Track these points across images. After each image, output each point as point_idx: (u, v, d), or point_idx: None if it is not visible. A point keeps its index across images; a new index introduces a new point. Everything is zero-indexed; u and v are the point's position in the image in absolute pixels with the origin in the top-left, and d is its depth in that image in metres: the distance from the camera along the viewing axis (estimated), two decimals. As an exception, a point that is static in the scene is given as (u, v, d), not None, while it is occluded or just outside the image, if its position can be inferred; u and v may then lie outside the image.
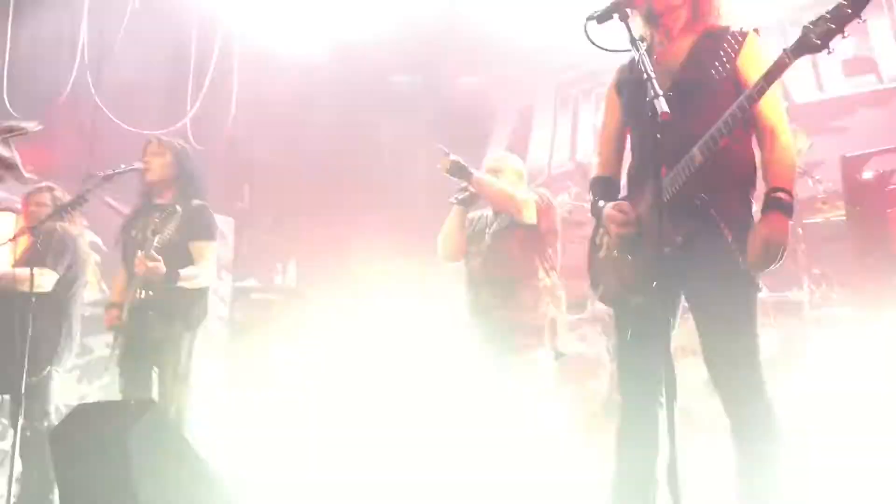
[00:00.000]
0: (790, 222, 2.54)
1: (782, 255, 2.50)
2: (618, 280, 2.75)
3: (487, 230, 4.21)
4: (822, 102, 5.99)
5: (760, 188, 2.67)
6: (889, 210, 4.54)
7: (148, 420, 2.29)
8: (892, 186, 4.46)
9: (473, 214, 4.37)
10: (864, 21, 2.22)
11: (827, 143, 5.46)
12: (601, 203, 2.83)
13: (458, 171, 4.01)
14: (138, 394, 3.88)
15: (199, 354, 4.19)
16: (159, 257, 3.82)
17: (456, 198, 4.24)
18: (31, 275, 4.04)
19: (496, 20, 6.90)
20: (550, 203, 4.25)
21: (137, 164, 4.11)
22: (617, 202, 2.76)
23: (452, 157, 4.02)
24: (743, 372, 2.52)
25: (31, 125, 4.19)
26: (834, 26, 2.20)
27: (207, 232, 4.11)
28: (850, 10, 2.18)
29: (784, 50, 2.32)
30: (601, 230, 2.86)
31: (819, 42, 2.23)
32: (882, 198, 4.57)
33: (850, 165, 4.72)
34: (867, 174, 4.66)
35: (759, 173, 2.69)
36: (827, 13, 2.22)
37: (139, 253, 3.84)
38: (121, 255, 4.20)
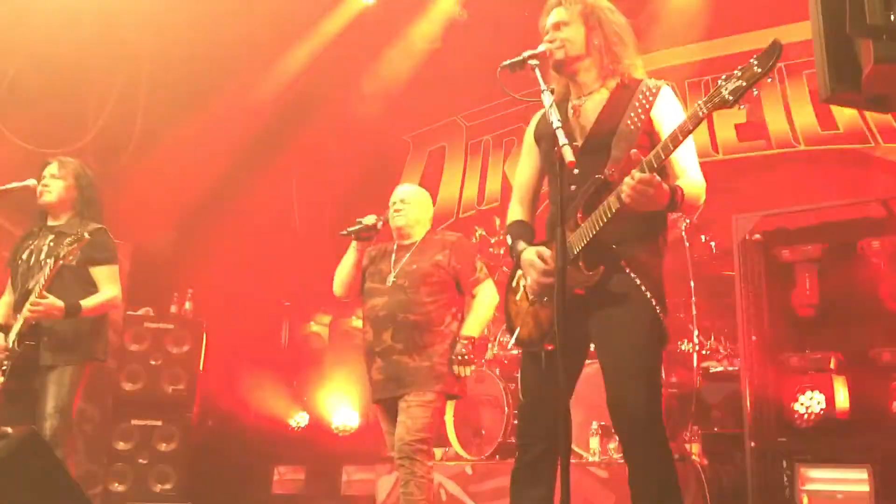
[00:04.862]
0: (663, 207, 2.56)
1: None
2: (535, 325, 2.76)
3: (393, 268, 4.07)
4: (716, 163, 6.30)
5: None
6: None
7: (26, 449, 2.17)
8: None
9: (375, 249, 4.23)
10: (757, 94, 2.33)
11: (719, 202, 5.71)
12: (521, 246, 2.83)
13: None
14: (19, 421, 3.67)
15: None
16: (49, 297, 3.66)
17: (349, 230, 4.06)
18: None
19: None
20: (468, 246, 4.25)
21: (31, 181, 3.95)
22: (539, 249, 2.75)
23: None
24: (645, 419, 2.56)
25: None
26: (745, 83, 2.27)
27: (109, 256, 3.98)
28: (759, 69, 2.26)
29: (697, 104, 2.37)
30: (518, 273, 2.86)
31: (731, 98, 2.29)
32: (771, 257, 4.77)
33: (740, 225, 4.93)
34: (756, 235, 4.88)
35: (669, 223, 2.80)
36: (738, 70, 2.30)
37: (32, 297, 3.66)
38: (10, 276, 4.02)
